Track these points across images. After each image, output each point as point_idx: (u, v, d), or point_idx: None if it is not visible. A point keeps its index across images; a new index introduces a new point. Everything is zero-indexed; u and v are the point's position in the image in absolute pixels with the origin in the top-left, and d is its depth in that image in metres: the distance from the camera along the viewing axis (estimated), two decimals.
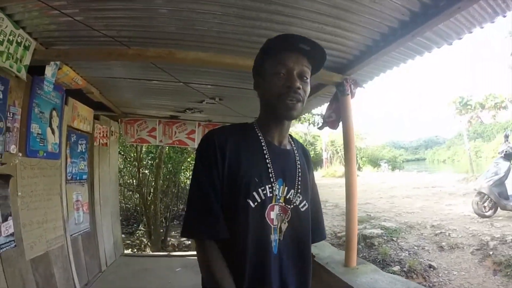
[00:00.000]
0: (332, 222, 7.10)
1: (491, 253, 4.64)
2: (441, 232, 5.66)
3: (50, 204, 3.32)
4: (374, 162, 28.17)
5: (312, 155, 33.43)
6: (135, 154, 9.60)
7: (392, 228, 6.01)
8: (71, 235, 3.77)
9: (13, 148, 2.70)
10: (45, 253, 3.08)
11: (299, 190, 1.14)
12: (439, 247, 5.12)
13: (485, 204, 6.55)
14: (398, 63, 3.13)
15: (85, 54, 2.93)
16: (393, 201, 9.20)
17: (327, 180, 17.16)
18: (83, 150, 4.39)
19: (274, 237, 1.07)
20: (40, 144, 3.14)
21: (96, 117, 4.88)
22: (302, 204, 1.14)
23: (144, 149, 9.44)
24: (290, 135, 1.28)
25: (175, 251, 8.25)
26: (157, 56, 2.83)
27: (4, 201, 2.53)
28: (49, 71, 2.84)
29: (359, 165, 26.93)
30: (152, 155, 9.65)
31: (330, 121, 3.53)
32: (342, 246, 4.80)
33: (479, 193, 6.68)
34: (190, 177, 1.23)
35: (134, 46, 2.78)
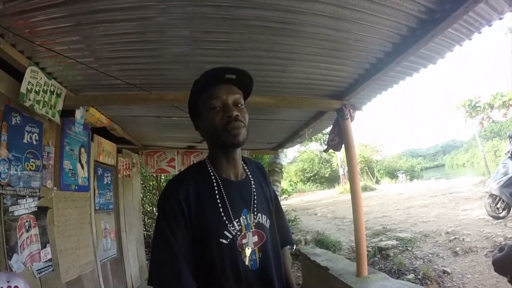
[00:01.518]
0: (349, 237, 7.10)
1: None
2: (455, 238, 5.65)
3: (82, 232, 3.64)
4: (392, 174, 27.51)
5: (328, 172, 33.12)
6: (154, 182, 9.94)
7: (407, 238, 6.02)
8: (101, 261, 4.05)
9: (49, 183, 3.06)
10: (78, 277, 3.36)
11: (260, 210, 1.22)
12: (454, 253, 5.13)
13: (498, 206, 6.43)
14: (391, 84, 3.40)
15: (111, 100, 3.32)
16: (410, 211, 9.07)
17: (345, 197, 17.01)
18: (109, 182, 4.75)
19: (252, 257, 1.15)
20: (72, 178, 3.51)
21: (119, 151, 5.26)
22: (264, 220, 1.22)
23: (163, 177, 9.79)
24: (244, 159, 1.33)
25: None
26: (175, 99, 3.20)
27: (43, 230, 2.86)
28: (78, 114, 3.23)
29: (377, 178, 26.34)
30: None
31: (333, 144, 3.79)
32: None
33: (491, 195, 6.57)
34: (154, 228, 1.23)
35: (154, 91, 3.15)
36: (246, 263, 1.13)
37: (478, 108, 20.51)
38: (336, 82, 3.24)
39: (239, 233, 1.14)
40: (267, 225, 1.23)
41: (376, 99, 3.85)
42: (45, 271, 2.79)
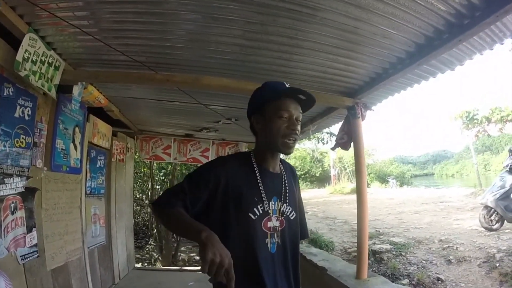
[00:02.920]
0: (341, 238, 7.15)
1: (497, 265, 4.69)
2: (448, 246, 5.69)
3: (71, 217, 3.45)
4: (382, 178, 27.80)
5: (319, 172, 33.44)
6: (146, 169, 9.75)
7: (400, 243, 6.06)
8: (88, 247, 3.88)
9: (39, 163, 2.84)
10: (64, 264, 3.18)
11: (288, 203, 1.40)
12: (447, 261, 5.16)
13: (492, 218, 6.53)
14: (405, 87, 3.29)
15: (113, 77, 3.09)
16: (402, 217, 9.17)
17: (335, 197, 17.02)
18: (102, 166, 4.55)
19: (272, 240, 1.33)
20: (64, 159, 3.29)
21: (114, 134, 5.06)
22: (291, 214, 1.41)
23: (156, 165, 9.60)
24: (280, 160, 1.50)
25: (185, 266, 8.28)
26: (183, 82, 3.02)
27: (29, 213, 2.65)
28: (76, 90, 3.00)
29: (367, 181, 26.66)
30: (164, 171, 9.79)
31: (342, 142, 3.66)
32: (351, 261, 4.92)
33: (486, 206, 6.67)
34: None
35: (161, 71, 2.96)
36: (268, 245, 1.32)
37: (476, 121, 20.66)
38: (352, 78, 3.11)
39: (266, 214, 1.33)
40: (291, 217, 1.41)
41: (386, 100, 3.74)
42: (30, 257, 2.59)
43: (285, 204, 1.39)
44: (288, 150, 1.36)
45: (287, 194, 1.41)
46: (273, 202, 1.36)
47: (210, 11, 2.12)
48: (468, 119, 20.61)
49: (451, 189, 18.07)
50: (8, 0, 2.00)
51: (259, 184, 1.35)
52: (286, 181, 1.45)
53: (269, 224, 1.33)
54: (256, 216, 1.30)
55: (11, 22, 2.12)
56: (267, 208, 1.33)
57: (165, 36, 2.48)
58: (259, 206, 1.31)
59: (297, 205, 1.48)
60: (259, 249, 1.29)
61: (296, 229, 1.43)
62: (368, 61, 2.75)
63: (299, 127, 1.36)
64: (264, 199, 1.33)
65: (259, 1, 1.99)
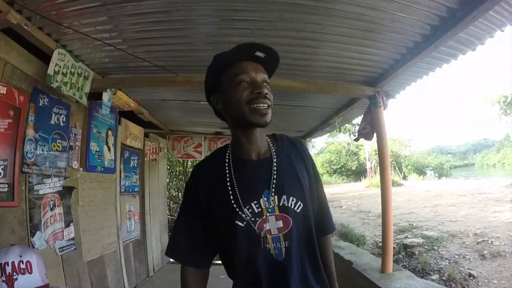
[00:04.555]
0: (374, 232, 6.98)
1: None
2: (483, 240, 5.39)
3: (106, 213, 3.71)
4: (420, 170, 26.61)
5: (355, 165, 32.47)
6: (181, 168, 10.07)
7: (433, 237, 5.80)
8: (123, 242, 4.13)
9: (75, 164, 3.11)
10: (100, 257, 3.44)
11: (286, 192, 1.10)
12: (481, 256, 4.89)
13: None
14: (427, 72, 3.19)
15: (138, 82, 3.29)
16: (437, 209, 8.77)
17: (371, 191, 16.59)
18: (135, 165, 4.81)
19: (276, 245, 1.06)
20: (98, 160, 3.55)
21: (146, 135, 5.31)
22: (297, 206, 1.10)
23: (189, 163, 9.90)
24: (274, 136, 1.24)
25: (217, 259, 8.50)
26: (203, 82, 3.12)
27: (67, 209, 2.92)
28: (105, 96, 3.24)
29: (404, 173, 25.65)
30: None
31: (364, 133, 3.63)
32: (381, 255, 4.82)
33: None
34: None
35: (182, 74, 3.10)
36: (271, 251, 1.06)
37: None
38: (369, 67, 3.06)
39: (257, 217, 1.07)
40: (297, 209, 1.10)
41: (410, 87, 3.64)
42: (67, 249, 2.85)
43: (284, 196, 1.08)
44: (260, 119, 1.05)
45: (274, 182, 1.09)
46: (264, 199, 1.08)
47: (219, 14, 2.25)
48: (506, 103, 19.28)
49: (490, 180, 17.02)
50: (36, 21, 2.22)
51: (238, 183, 1.10)
52: (275, 165, 1.12)
53: (267, 226, 1.06)
54: (245, 222, 1.06)
55: (40, 41, 2.35)
56: (258, 209, 1.07)
57: (182, 40, 2.62)
58: (246, 210, 1.06)
59: (307, 191, 1.14)
60: (260, 261, 1.05)
61: (308, 222, 1.12)
62: (383, 48, 2.71)
63: (267, 90, 1.08)
64: (246, 199, 1.07)
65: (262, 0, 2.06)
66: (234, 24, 2.36)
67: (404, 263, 5.01)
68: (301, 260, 1.09)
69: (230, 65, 1.10)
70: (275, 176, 1.11)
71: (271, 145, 1.18)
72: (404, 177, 24.16)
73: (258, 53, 1.09)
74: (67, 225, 2.89)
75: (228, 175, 1.11)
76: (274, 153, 1.16)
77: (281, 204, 1.08)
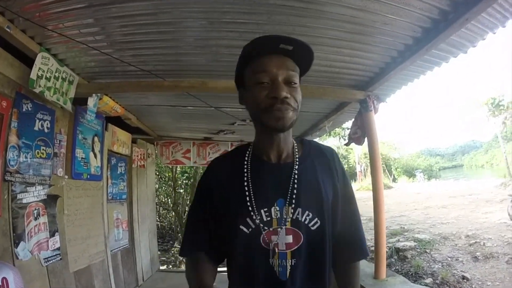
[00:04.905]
0: (366, 236, 7.01)
1: None
2: (475, 242, 5.46)
3: (93, 221, 3.61)
4: (409, 172, 27.05)
5: (345, 168, 32.38)
6: (170, 174, 9.97)
7: (425, 240, 5.85)
8: (111, 251, 4.03)
9: (60, 171, 3.02)
10: (87, 267, 3.34)
11: (305, 206, 0.98)
12: (474, 258, 4.95)
13: None
14: (418, 75, 3.19)
15: (125, 87, 3.22)
16: (428, 212, 8.88)
17: (362, 194, 16.75)
18: (123, 172, 4.71)
19: (282, 262, 0.95)
20: (84, 167, 3.46)
21: (133, 141, 5.21)
22: (312, 222, 0.98)
23: (179, 169, 9.79)
24: (302, 141, 1.14)
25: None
26: (190, 86, 3.10)
27: (52, 218, 2.82)
28: (91, 102, 3.14)
29: (394, 176, 26.02)
30: (187, 175, 9.98)
31: (355, 137, 3.61)
32: (374, 259, 4.82)
33: None
34: None
35: (169, 78, 3.04)
36: (274, 268, 0.95)
37: (502, 107, 19.82)
38: (360, 70, 3.05)
39: (266, 226, 0.96)
40: (312, 226, 0.98)
41: (400, 91, 3.62)
42: (53, 260, 2.76)
43: (299, 209, 0.97)
44: (277, 123, 0.94)
45: (295, 193, 0.98)
46: (276, 208, 0.97)
47: (206, 16, 2.20)
48: (494, 105, 19.79)
49: (480, 181, 17.35)
50: (18, 24, 2.14)
51: (246, 184, 1.00)
52: (296, 172, 1.01)
53: (274, 238, 0.95)
54: (250, 229, 0.96)
55: (23, 44, 2.27)
56: (267, 218, 0.96)
57: (169, 44, 2.56)
58: (253, 215, 0.96)
59: (328, 207, 1.01)
60: (261, 276, 0.96)
61: (322, 244, 0.99)
62: (374, 51, 2.69)
63: (290, 91, 0.95)
64: (257, 204, 0.97)
65: (250, 1, 2.02)
66: (222, 27, 2.32)
67: (397, 267, 5.02)
68: (306, 284, 0.97)
69: (252, 59, 0.98)
70: (294, 185, 0.99)
71: (296, 150, 1.07)
72: (394, 180, 24.48)
73: (283, 46, 0.94)
74: (52, 234, 2.80)
75: (245, 175, 1.02)
76: (297, 159, 1.04)
77: (294, 217, 0.97)
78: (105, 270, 3.76)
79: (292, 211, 0.97)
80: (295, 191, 0.98)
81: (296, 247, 0.96)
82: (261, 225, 0.96)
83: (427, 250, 5.44)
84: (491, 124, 21.89)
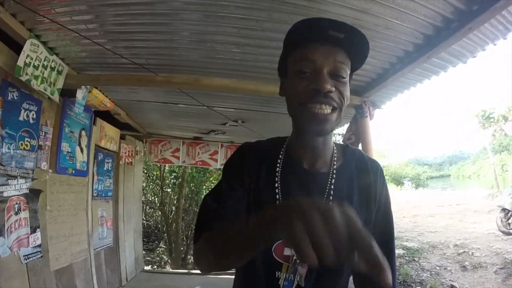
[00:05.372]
0: None
1: None
2: (464, 252, 5.53)
3: (76, 219, 3.48)
4: (398, 180, 27.45)
5: None
6: (158, 172, 9.83)
7: (414, 248, 5.91)
8: (95, 249, 3.90)
9: (44, 165, 2.89)
10: (69, 265, 3.21)
11: None
12: (462, 267, 5.00)
13: (510, 221, 6.28)
14: (415, 83, 3.17)
15: (115, 80, 3.11)
16: (416, 220, 8.98)
17: None
18: (109, 169, 4.59)
19: (288, 276, 0.86)
20: (69, 161, 3.33)
21: (122, 137, 5.09)
22: None
23: (167, 168, 9.66)
24: (345, 149, 1.00)
25: (195, 269, 8.32)
26: (183, 83, 3.00)
27: (34, 214, 2.70)
28: (80, 94, 3.04)
29: None
30: (175, 174, 9.85)
31: (350, 142, 3.58)
32: None
33: (503, 209, 6.42)
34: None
35: (161, 73, 2.95)
36: (279, 281, 0.86)
37: (492, 120, 20.25)
38: (357, 75, 2.99)
39: None
40: None
41: (396, 98, 3.60)
42: (33, 257, 2.64)
43: None
44: (313, 125, 0.82)
45: None
46: None
47: (204, 9, 2.11)
48: (484, 118, 20.23)
49: (467, 191, 17.66)
50: (9, 7, 2.03)
51: (276, 185, 0.89)
52: (332, 186, 0.89)
53: (288, 252, 0.86)
54: None
55: (13, 29, 2.16)
56: None
57: (163, 37, 2.48)
58: None
59: None
60: (261, 285, 0.88)
61: (339, 272, 0.89)
62: (374, 56, 2.62)
63: (336, 85, 0.81)
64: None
65: None
66: (220, 21, 2.23)
67: None
68: None
69: (297, 47, 0.85)
70: (330, 199, 0.88)
71: (335, 158, 0.95)
72: None
73: (333, 33, 0.79)
74: (33, 231, 2.67)
75: (276, 177, 0.90)
76: (334, 170, 0.92)
77: None
78: (87, 269, 3.63)
79: None
80: None
81: (308, 265, 0.86)
82: None
83: (415, 259, 5.47)
84: (480, 136, 22.36)
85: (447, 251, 5.71)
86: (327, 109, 0.81)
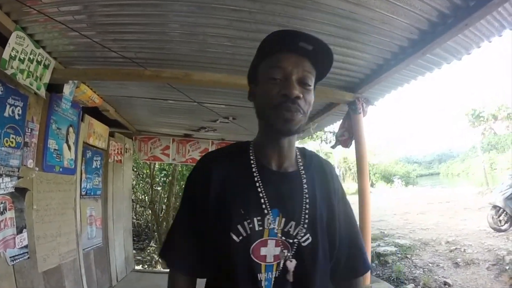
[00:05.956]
0: None
1: (507, 267, 4.59)
2: (456, 248, 5.59)
3: (64, 218, 3.39)
4: (387, 178, 27.82)
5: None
6: (148, 170, 9.73)
7: (406, 245, 5.96)
8: (84, 250, 3.82)
9: (30, 163, 2.80)
10: (57, 266, 3.13)
11: (303, 222, 0.93)
12: (454, 264, 5.05)
13: (501, 218, 6.39)
14: (408, 80, 3.17)
15: (103, 75, 3.03)
16: (407, 217, 9.07)
17: None
18: (98, 166, 4.48)
19: (267, 275, 0.90)
20: (57, 159, 3.24)
21: (111, 134, 4.99)
22: (304, 238, 0.92)
23: (157, 166, 9.56)
24: (303, 150, 1.08)
25: None
26: (173, 77, 2.93)
27: (20, 213, 2.60)
28: (67, 89, 2.96)
29: (372, 181, 26.69)
30: (165, 172, 9.76)
31: (342, 139, 3.57)
32: None
33: (494, 206, 6.53)
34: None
35: (150, 68, 2.88)
36: (262, 283, 0.89)
37: (482, 118, 20.60)
38: (351, 71, 2.99)
39: (257, 236, 0.90)
40: (304, 242, 0.92)
41: (389, 95, 3.61)
42: (20, 259, 2.55)
43: (292, 222, 0.92)
44: (283, 126, 0.89)
45: (306, 207, 0.94)
46: (270, 217, 0.91)
47: (196, 0, 2.05)
48: (474, 116, 20.55)
49: (457, 189, 17.96)
50: None
51: (254, 189, 0.93)
52: (306, 186, 0.97)
53: (264, 251, 0.90)
54: (241, 237, 0.90)
55: None
56: (260, 227, 0.90)
57: (153, 29, 2.41)
58: (245, 223, 0.90)
59: (322, 225, 0.96)
60: (242, 285, 0.89)
61: (314, 264, 0.93)
62: (368, 51, 2.62)
63: (303, 92, 0.90)
64: (252, 212, 0.91)
65: None
66: (212, 13, 2.17)
67: (378, 272, 5.05)
68: None
69: (268, 55, 0.94)
70: (306, 199, 0.95)
71: (299, 159, 1.03)
72: (372, 185, 25.02)
73: (303, 45, 0.90)
74: (20, 231, 2.58)
75: (255, 178, 0.95)
76: (302, 170, 1.00)
77: (286, 230, 0.92)
78: (76, 270, 3.55)
79: (285, 222, 0.92)
80: (305, 205, 0.94)
81: (284, 261, 0.90)
82: (253, 234, 0.90)
83: (408, 256, 5.52)
84: (470, 134, 22.75)
85: (439, 248, 5.77)
86: (295, 112, 0.89)
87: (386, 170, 30.62)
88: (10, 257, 2.43)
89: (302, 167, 1.00)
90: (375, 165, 30.46)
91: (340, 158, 26.84)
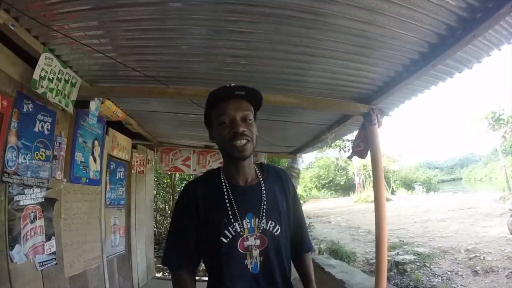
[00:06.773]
0: (364, 248, 6.98)
1: None
2: (475, 256, 5.47)
3: (90, 226, 3.55)
4: (408, 185, 27.04)
5: (344, 180, 32.76)
6: (168, 180, 9.90)
7: (425, 253, 5.84)
8: (107, 257, 3.96)
9: (58, 175, 2.97)
10: (82, 272, 3.27)
11: (268, 218, 1.29)
12: (473, 272, 4.94)
13: None
14: (422, 90, 3.17)
15: (127, 91, 3.19)
16: (427, 225, 8.87)
17: (360, 206, 16.60)
18: (122, 177, 4.67)
19: (253, 260, 1.25)
20: (83, 171, 3.42)
21: (133, 146, 5.17)
22: (275, 229, 1.30)
23: (177, 176, 9.73)
24: (261, 165, 1.45)
25: (205, 276, 8.32)
26: (195, 94, 3.08)
27: (49, 222, 2.77)
28: (93, 105, 3.13)
29: (392, 189, 25.99)
30: (185, 182, 9.92)
31: (358, 150, 3.58)
32: (373, 273, 4.73)
33: None
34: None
35: (173, 85, 3.02)
36: (248, 266, 1.25)
37: (502, 121, 19.92)
38: (365, 84, 3.03)
39: (241, 234, 1.26)
40: (276, 232, 1.30)
41: (404, 105, 3.60)
42: (48, 264, 2.70)
43: (264, 220, 1.28)
44: (239, 154, 1.25)
45: (265, 208, 1.30)
46: (247, 220, 1.27)
47: (212, 24, 2.17)
48: (494, 119, 19.90)
49: (479, 194, 17.31)
50: (23, 22, 2.12)
51: (227, 203, 1.28)
52: (264, 193, 1.33)
53: (246, 244, 1.26)
54: (228, 239, 1.24)
55: (27, 43, 2.24)
56: (241, 228, 1.25)
57: (173, 51, 2.54)
58: (230, 228, 1.25)
59: (284, 217, 1.35)
60: (236, 273, 1.24)
61: (284, 244, 1.33)
62: (380, 65, 2.67)
63: (246, 126, 1.26)
64: (233, 219, 1.26)
65: (258, 11, 1.99)
66: (228, 36, 2.29)
67: (396, 281, 4.98)
68: (273, 275, 1.28)
69: (216, 105, 1.30)
70: (264, 204, 1.31)
71: (259, 173, 1.39)
72: (393, 192, 24.44)
73: (238, 92, 1.27)
74: (48, 238, 2.74)
75: (226, 195, 1.30)
76: (262, 182, 1.36)
77: (261, 227, 1.28)
78: (100, 276, 3.68)
79: (258, 221, 1.28)
80: (264, 207, 1.30)
81: (263, 247, 1.27)
82: (236, 234, 1.25)
83: (426, 264, 5.42)
84: (490, 138, 22.01)
85: (458, 256, 5.64)
86: (244, 142, 1.25)
87: (406, 177, 29.76)
88: (39, 263, 2.58)
89: (261, 179, 1.37)
90: (395, 172, 29.72)
91: (359, 166, 26.38)
